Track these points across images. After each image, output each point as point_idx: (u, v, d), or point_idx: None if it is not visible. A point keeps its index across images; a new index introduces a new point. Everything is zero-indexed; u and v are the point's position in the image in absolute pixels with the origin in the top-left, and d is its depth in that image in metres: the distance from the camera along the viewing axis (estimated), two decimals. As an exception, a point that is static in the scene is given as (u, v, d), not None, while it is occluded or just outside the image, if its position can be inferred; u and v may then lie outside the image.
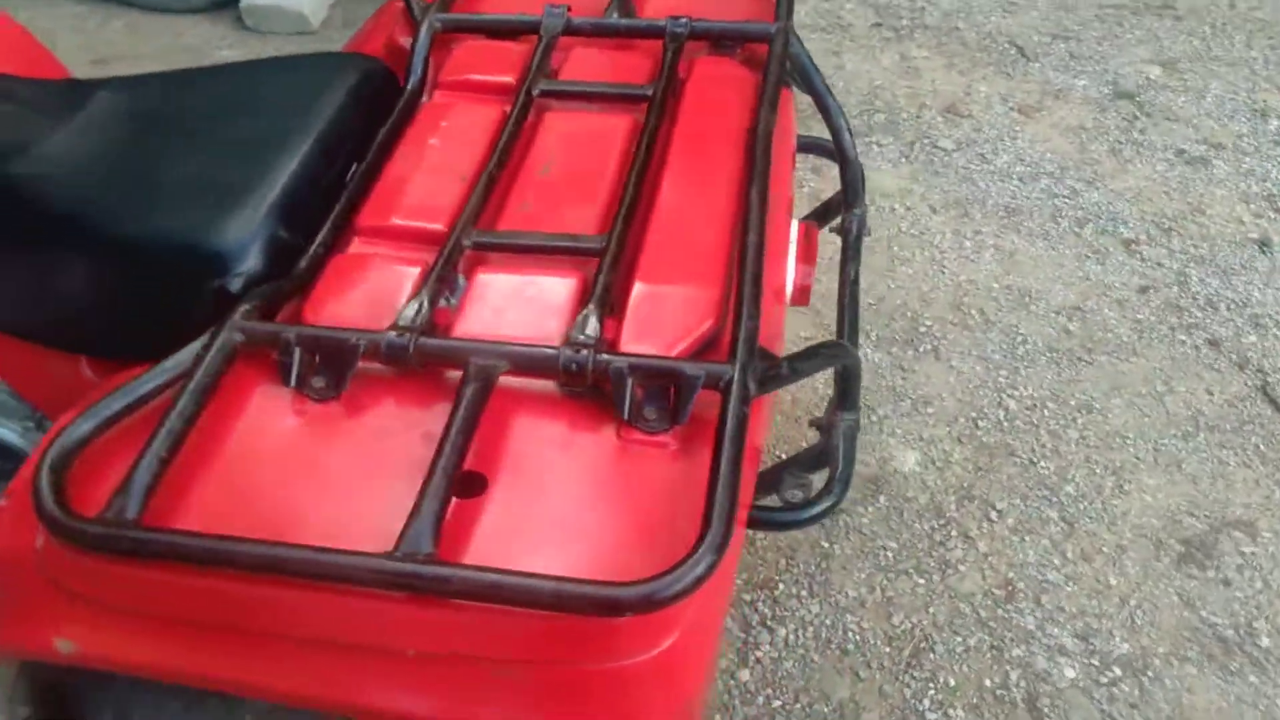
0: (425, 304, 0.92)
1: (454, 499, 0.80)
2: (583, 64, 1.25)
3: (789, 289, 1.12)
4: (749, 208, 0.99)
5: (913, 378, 2.19)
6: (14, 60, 1.34)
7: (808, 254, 1.14)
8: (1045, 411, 2.12)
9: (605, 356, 0.84)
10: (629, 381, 0.84)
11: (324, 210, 1.07)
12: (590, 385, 0.85)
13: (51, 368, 1.16)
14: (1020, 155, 2.79)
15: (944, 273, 2.44)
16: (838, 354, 0.96)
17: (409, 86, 1.24)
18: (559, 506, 0.81)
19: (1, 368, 1.21)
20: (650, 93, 1.16)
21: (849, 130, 1.28)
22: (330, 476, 0.82)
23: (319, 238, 1.03)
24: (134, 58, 3.14)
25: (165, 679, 0.82)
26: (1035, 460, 2.03)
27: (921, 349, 2.25)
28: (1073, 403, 2.14)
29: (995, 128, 2.88)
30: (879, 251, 2.49)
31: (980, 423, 2.10)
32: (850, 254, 1.34)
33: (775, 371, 0.87)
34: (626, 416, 0.84)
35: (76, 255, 1.06)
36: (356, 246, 1.04)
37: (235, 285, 1.00)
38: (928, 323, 2.32)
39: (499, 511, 0.80)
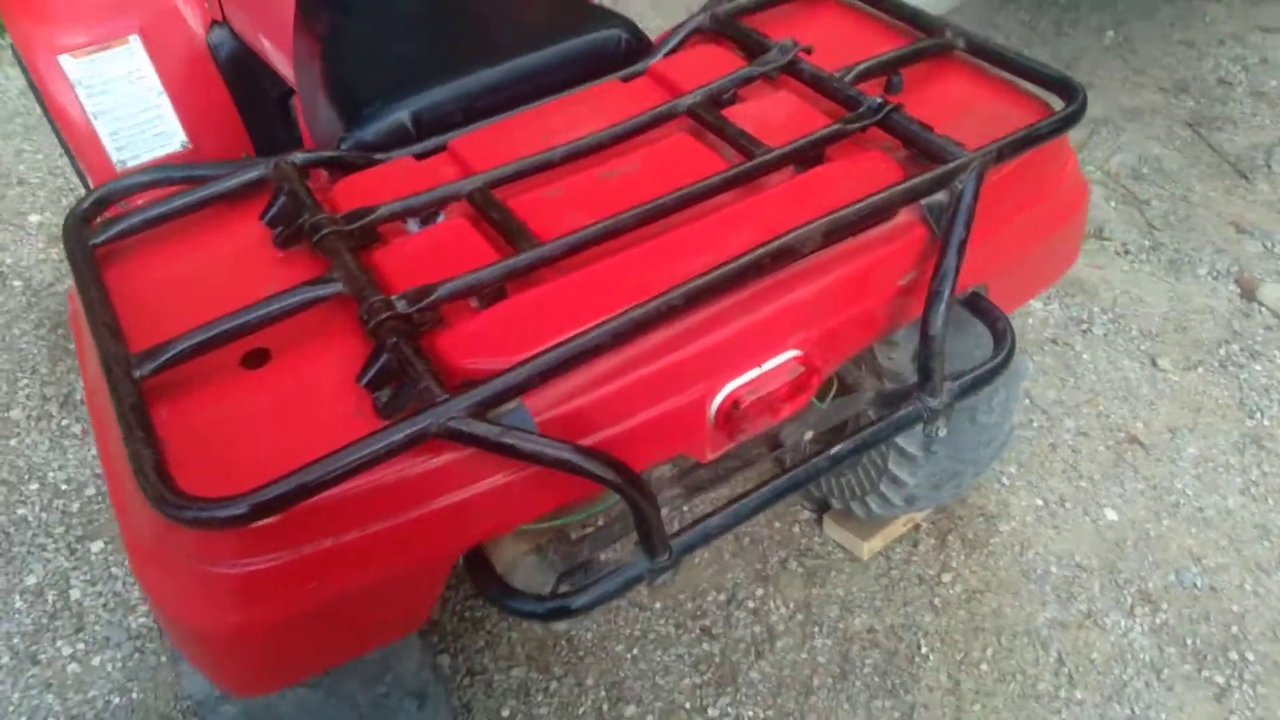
0: (379, 214, 1.01)
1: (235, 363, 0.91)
2: (761, 107, 1.17)
3: (711, 413, 0.95)
4: (662, 298, 0.87)
5: (1162, 694, 1.64)
6: None
7: (768, 399, 0.95)
8: None
9: (392, 325, 0.86)
10: (383, 357, 0.85)
11: (467, 122, 1.20)
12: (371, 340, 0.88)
13: None
14: None
15: (1337, 621, 1.73)
16: (614, 481, 0.82)
17: (639, 66, 1.28)
18: (267, 411, 0.87)
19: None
20: (764, 158, 1.06)
21: (947, 303, 1.00)
22: (184, 296, 0.98)
23: (420, 145, 1.17)
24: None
25: None
26: None
27: (1207, 674, 1.67)
28: None
29: None
30: (1271, 543, 1.85)
31: (1193, 803, 1.52)
32: (867, 433, 1.05)
33: (482, 435, 0.79)
34: (361, 380, 0.86)
35: (319, 54, 1.33)
36: (433, 161, 1.15)
37: (345, 144, 1.19)
38: (1249, 655, 1.69)
39: (229, 388, 0.89)
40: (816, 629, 1.74)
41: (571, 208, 1.04)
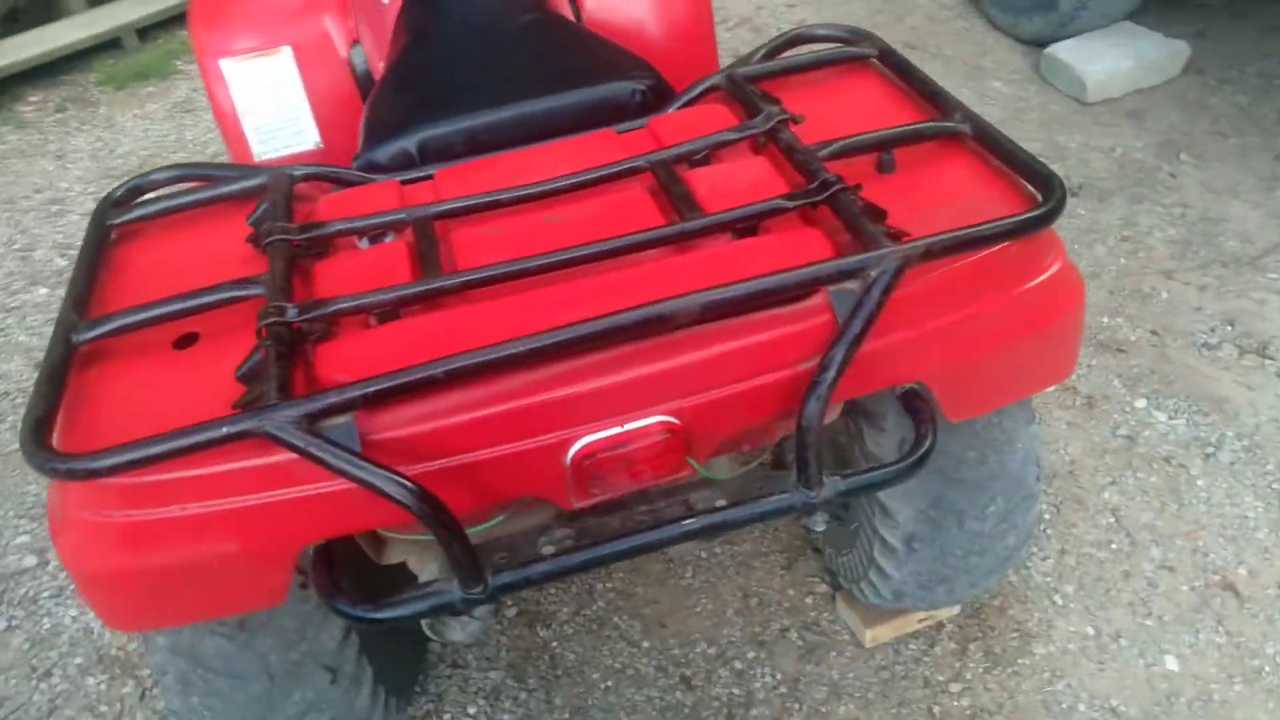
0: (329, 229, 1.12)
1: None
2: (724, 171, 1.17)
3: (567, 462, 0.96)
4: (508, 346, 0.91)
5: None
6: None
7: (626, 459, 0.94)
8: None
9: (275, 329, 0.96)
10: (255, 357, 0.95)
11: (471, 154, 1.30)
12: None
13: None
14: None
15: None
16: (416, 508, 0.86)
17: (644, 119, 1.32)
18: (172, 388, 1.00)
19: None
20: (690, 224, 1.06)
21: (824, 396, 0.94)
22: (164, 278, 1.13)
23: (415, 171, 1.27)
24: (931, 50, 3.38)
25: None
26: None
27: None
28: None
29: None
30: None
31: None
32: (729, 514, 1.01)
33: (295, 443, 0.87)
34: (237, 374, 0.96)
35: (381, 79, 1.48)
36: (415, 188, 1.24)
37: (357, 162, 1.32)
38: None
39: (152, 364, 1.03)
40: (796, 706, 1.68)
41: (500, 246, 1.09)
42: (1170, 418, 2.11)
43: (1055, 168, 2.71)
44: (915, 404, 1.09)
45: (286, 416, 0.87)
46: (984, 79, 3.23)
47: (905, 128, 1.18)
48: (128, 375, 1.02)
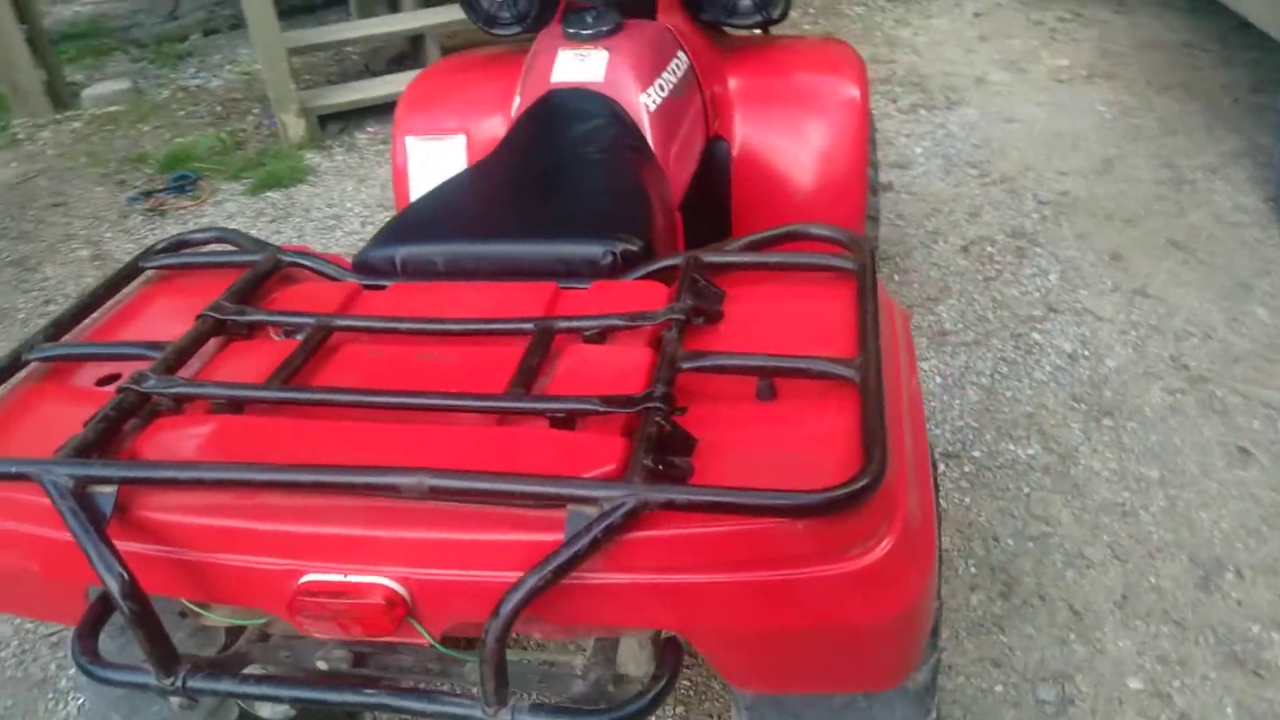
0: (250, 318, 1.25)
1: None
2: (594, 355, 1.15)
3: (291, 592, 0.97)
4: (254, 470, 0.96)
5: None
6: None
7: (335, 610, 0.93)
8: None
9: (126, 396, 1.09)
10: (99, 413, 1.09)
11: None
12: None
13: None
14: None
15: None
16: (112, 588, 0.93)
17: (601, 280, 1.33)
18: (61, 418, 1.16)
19: None
20: (497, 402, 1.06)
21: (506, 619, 0.86)
22: (141, 323, 1.32)
23: (372, 279, 1.37)
24: (1201, 255, 2.94)
25: None
26: None
27: None
28: None
29: None
30: None
31: None
32: (401, 698, 0.95)
33: (52, 494, 0.96)
34: (85, 422, 1.10)
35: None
36: (367, 296, 1.34)
37: (355, 259, 1.44)
38: None
39: (66, 393, 1.20)
40: None
41: (366, 369, 1.16)
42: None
43: (1264, 433, 2.29)
44: (664, 652, 0.99)
45: (57, 471, 0.99)
46: (1247, 301, 2.75)
47: (787, 361, 1.08)
48: (51, 397, 1.21)
